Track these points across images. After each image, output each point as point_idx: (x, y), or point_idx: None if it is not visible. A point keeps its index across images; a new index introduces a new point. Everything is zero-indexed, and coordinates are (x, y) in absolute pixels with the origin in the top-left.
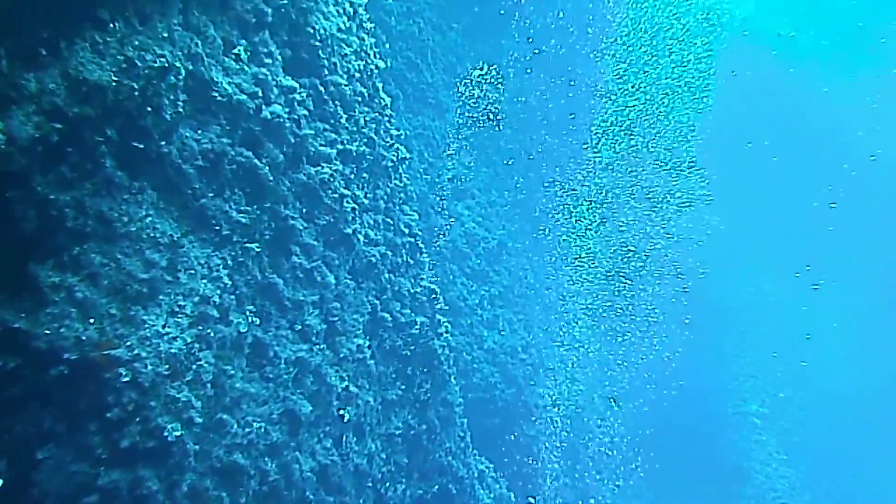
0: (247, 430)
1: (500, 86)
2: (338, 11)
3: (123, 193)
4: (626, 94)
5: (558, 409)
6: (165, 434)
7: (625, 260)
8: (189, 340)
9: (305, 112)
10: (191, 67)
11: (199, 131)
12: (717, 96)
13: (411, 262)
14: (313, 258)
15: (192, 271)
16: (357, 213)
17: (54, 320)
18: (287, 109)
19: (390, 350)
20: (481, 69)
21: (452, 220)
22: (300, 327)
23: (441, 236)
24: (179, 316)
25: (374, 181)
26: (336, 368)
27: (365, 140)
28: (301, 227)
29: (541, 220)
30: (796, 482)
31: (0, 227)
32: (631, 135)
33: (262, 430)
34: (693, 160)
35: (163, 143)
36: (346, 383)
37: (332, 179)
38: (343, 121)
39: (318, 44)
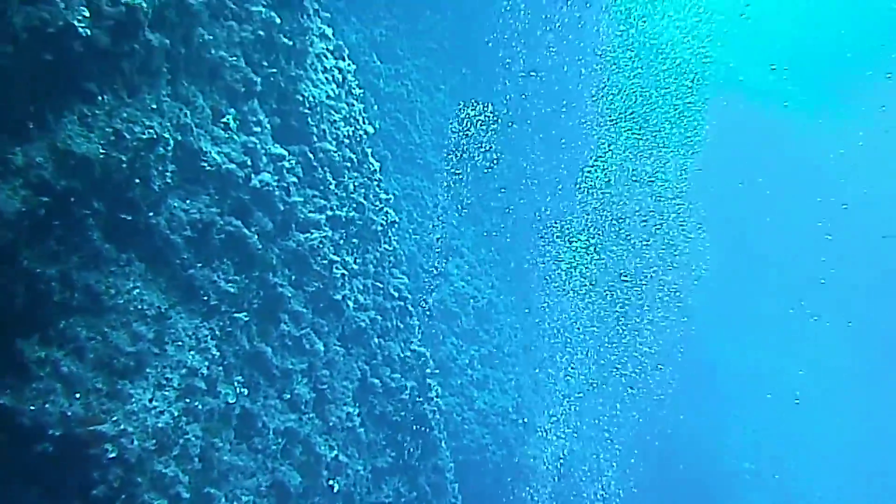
0: (235, 503)
1: (494, 125)
2: (327, 78)
3: (111, 266)
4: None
5: (550, 468)
6: None
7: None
8: (176, 414)
9: (295, 179)
10: (179, 138)
11: (188, 201)
12: (706, 144)
13: (401, 325)
14: (302, 326)
15: (180, 343)
16: (346, 278)
17: (39, 396)
18: (276, 177)
19: (380, 416)
20: (474, 108)
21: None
22: (289, 396)
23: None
24: (167, 389)
25: (364, 245)
26: (325, 437)
27: (354, 205)
28: (290, 295)
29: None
30: None
31: None
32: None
33: (251, 503)
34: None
35: (151, 214)
36: (335, 452)
37: (321, 246)
38: (332, 187)
39: (307, 111)
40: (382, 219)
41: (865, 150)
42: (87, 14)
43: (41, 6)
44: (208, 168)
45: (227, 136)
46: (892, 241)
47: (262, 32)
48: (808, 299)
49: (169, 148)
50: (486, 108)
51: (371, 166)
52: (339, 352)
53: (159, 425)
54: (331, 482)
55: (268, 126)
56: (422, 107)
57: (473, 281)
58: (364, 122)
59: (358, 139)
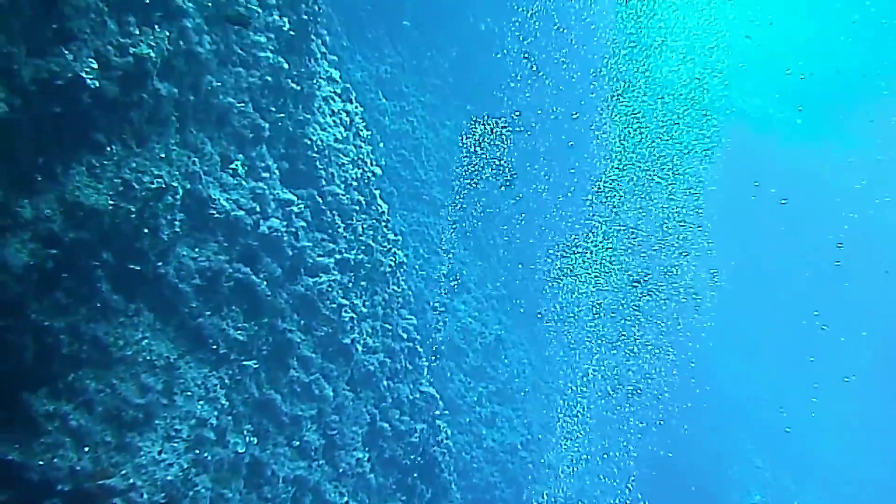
0: None
1: (508, 142)
2: (334, 122)
3: (119, 317)
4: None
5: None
6: None
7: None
8: (185, 466)
9: (303, 223)
10: (188, 186)
11: (197, 249)
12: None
13: (410, 367)
14: (311, 371)
15: (189, 393)
16: (355, 321)
17: (48, 450)
18: (285, 222)
19: (390, 460)
20: (485, 125)
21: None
22: (298, 444)
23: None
24: (176, 440)
25: (372, 287)
26: (335, 484)
27: (363, 247)
28: (299, 340)
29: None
30: None
31: None
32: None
33: None
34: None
35: (160, 263)
36: (345, 499)
37: (330, 290)
38: (341, 230)
39: (315, 155)
40: (391, 260)
41: (863, 169)
42: (95, 66)
43: (49, 58)
44: (217, 215)
45: (235, 182)
46: None
47: (269, 78)
48: (821, 312)
49: (178, 196)
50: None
51: (379, 207)
52: (348, 396)
53: (168, 478)
54: None
55: (276, 171)
56: (427, 143)
57: (481, 317)
58: (372, 164)
59: (366, 181)
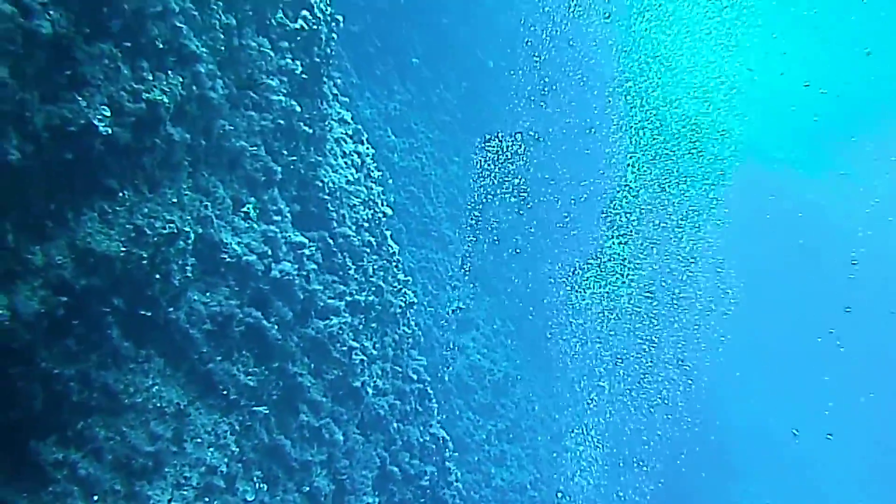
0: None
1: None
2: (346, 163)
3: (129, 363)
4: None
5: None
6: None
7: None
8: None
9: (314, 266)
10: (200, 230)
11: (208, 294)
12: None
13: (420, 409)
14: (321, 415)
15: (199, 440)
16: (366, 363)
17: (56, 499)
18: (296, 266)
19: None
20: (500, 139)
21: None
22: (308, 489)
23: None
24: (185, 488)
25: (383, 328)
26: None
27: (373, 288)
28: (309, 384)
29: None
30: None
31: (2, 404)
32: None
33: None
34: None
35: (171, 309)
36: None
37: (340, 332)
38: (352, 272)
39: (326, 197)
40: (401, 300)
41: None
42: (107, 113)
43: (62, 104)
44: (228, 260)
45: (247, 225)
46: None
47: (282, 121)
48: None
49: (189, 241)
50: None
51: (390, 248)
52: (358, 440)
53: None
54: None
55: (288, 213)
56: (436, 179)
57: (489, 353)
58: (382, 204)
59: (377, 221)
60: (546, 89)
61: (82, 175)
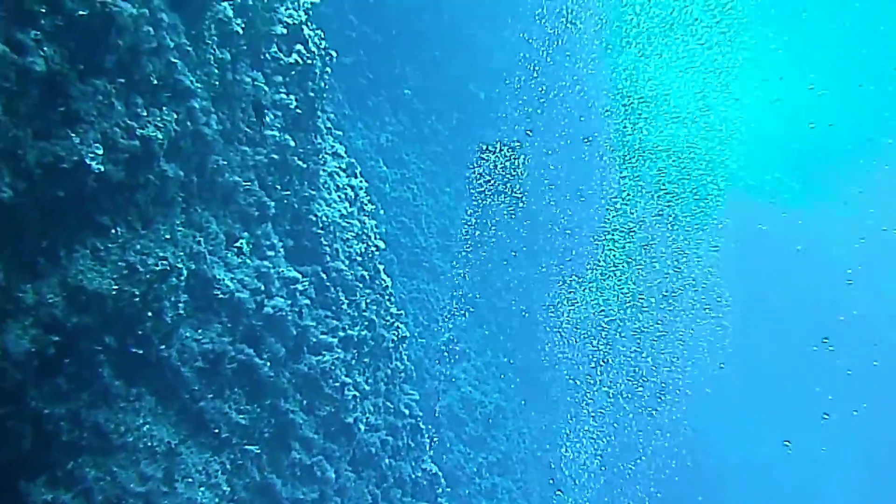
0: None
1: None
2: (339, 197)
3: (120, 402)
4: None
5: None
6: None
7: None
8: None
9: (307, 301)
10: (193, 266)
11: (200, 331)
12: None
13: (412, 444)
14: (313, 453)
15: (190, 479)
16: (358, 399)
17: None
18: (289, 302)
19: None
20: (494, 149)
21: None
22: None
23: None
24: None
25: (375, 363)
26: None
27: (366, 323)
28: (301, 421)
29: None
30: None
31: None
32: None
33: None
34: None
35: (162, 346)
36: None
37: (333, 368)
38: (345, 306)
39: (320, 231)
40: (393, 334)
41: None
42: (100, 151)
43: (55, 141)
44: (221, 296)
45: (240, 261)
46: None
47: (275, 156)
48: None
49: (182, 278)
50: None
51: (383, 282)
52: (350, 477)
53: None
54: None
55: (281, 248)
56: (427, 210)
57: (481, 385)
58: (375, 238)
59: (370, 255)
60: (530, 131)
61: (75, 212)
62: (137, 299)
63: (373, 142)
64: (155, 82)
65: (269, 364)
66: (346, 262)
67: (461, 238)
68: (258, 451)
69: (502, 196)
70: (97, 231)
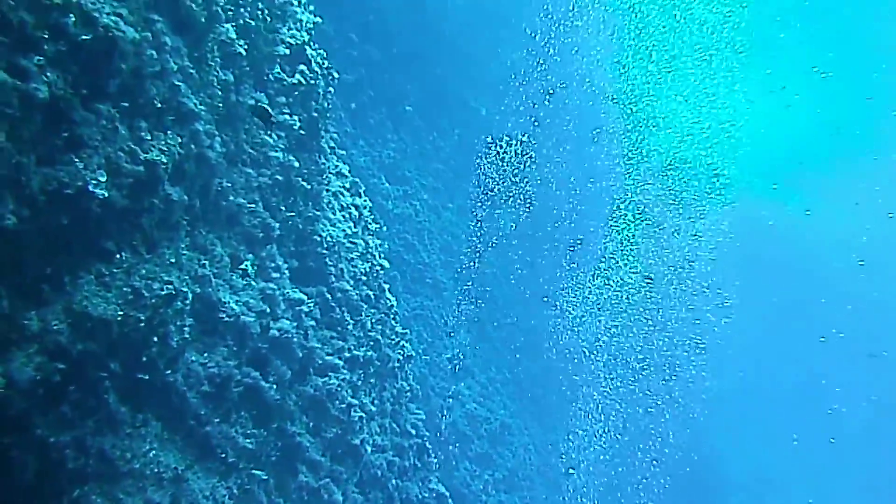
0: None
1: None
2: (344, 216)
3: (126, 428)
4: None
5: None
6: None
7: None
8: None
9: (313, 322)
10: (198, 290)
11: (206, 354)
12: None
13: (419, 464)
14: (320, 475)
15: None
16: (364, 420)
17: None
18: (294, 323)
19: None
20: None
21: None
22: None
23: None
24: None
25: (381, 383)
26: None
27: (371, 343)
28: (308, 444)
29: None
30: None
31: None
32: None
33: None
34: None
35: (168, 371)
36: None
37: (339, 389)
38: (350, 326)
39: (324, 251)
40: (399, 354)
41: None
42: (103, 178)
43: (59, 167)
44: (227, 319)
45: (245, 283)
46: None
47: (279, 177)
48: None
49: (187, 301)
50: None
51: (388, 301)
52: (357, 500)
53: None
54: None
55: (286, 270)
56: (430, 226)
57: (486, 402)
58: (380, 257)
59: (374, 274)
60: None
61: (79, 238)
62: (143, 324)
63: (375, 158)
64: (159, 106)
65: (275, 387)
66: (351, 282)
67: (465, 253)
68: (265, 477)
69: (510, 195)
70: (102, 256)
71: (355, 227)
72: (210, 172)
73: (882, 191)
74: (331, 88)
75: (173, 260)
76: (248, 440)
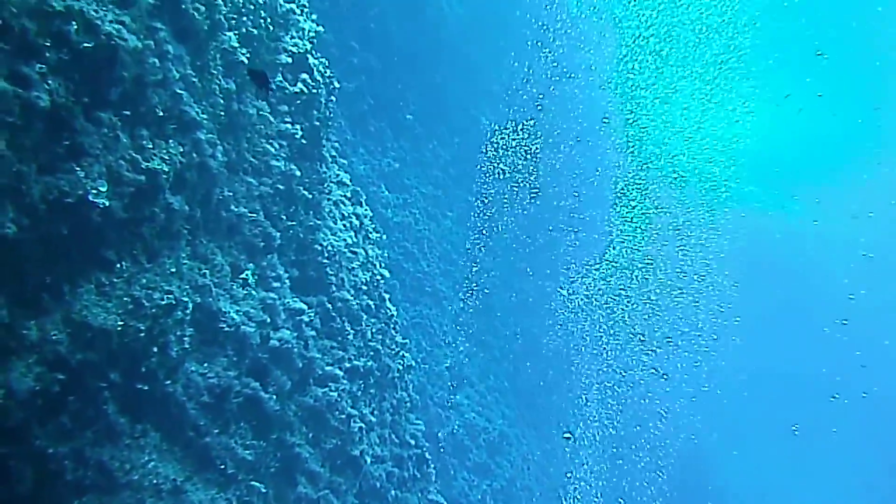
0: None
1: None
2: (344, 226)
3: (125, 439)
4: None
5: None
6: None
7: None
8: None
9: (313, 332)
10: (198, 299)
11: (206, 365)
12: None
13: (418, 475)
14: (320, 486)
15: None
16: (364, 431)
17: None
18: (295, 333)
19: None
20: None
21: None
22: None
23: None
24: None
25: (381, 394)
26: None
27: (371, 353)
28: (307, 455)
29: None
30: None
31: None
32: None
33: None
34: None
35: (168, 381)
36: None
37: (339, 399)
38: (350, 336)
39: (325, 261)
40: (399, 364)
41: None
42: (104, 188)
43: (60, 175)
44: (227, 329)
45: (245, 293)
46: None
47: (281, 186)
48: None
49: (187, 311)
50: None
51: (388, 311)
52: None
53: None
54: None
55: (287, 279)
56: (429, 235)
57: (485, 412)
58: (380, 266)
59: (375, 284)
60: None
61: (79, 247)
62: (143, 334)
63: (374, 167)
64: (160, 114)
65: (274, 397)
66: (352, 292)
67: (465, 259)
68: (265, 489)
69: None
70: (102, 266)
71: (356, 236)
72: (211, 181)
73: (888, 197)
74: (332, 97)
75: (174, 269)
76: (247, 451)
